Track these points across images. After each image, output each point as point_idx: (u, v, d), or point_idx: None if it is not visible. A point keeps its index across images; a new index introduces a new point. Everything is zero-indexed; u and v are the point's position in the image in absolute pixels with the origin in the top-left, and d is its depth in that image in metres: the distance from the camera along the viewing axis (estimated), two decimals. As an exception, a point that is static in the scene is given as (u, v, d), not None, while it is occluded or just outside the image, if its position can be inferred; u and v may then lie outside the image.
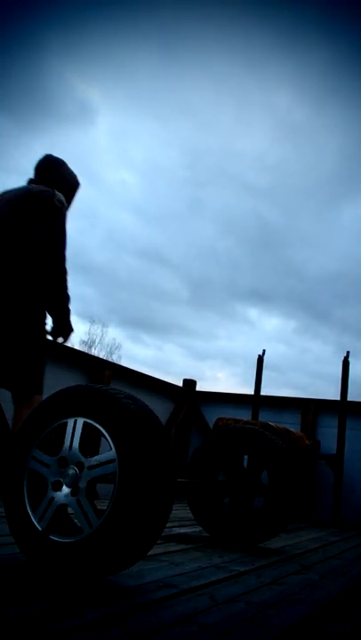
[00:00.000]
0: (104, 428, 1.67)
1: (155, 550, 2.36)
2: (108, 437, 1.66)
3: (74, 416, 1.75)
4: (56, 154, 2.89)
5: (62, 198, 2.60)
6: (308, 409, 5.67)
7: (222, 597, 1.68)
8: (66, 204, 2.64)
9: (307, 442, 5.02)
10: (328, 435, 5.50)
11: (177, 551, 2.45)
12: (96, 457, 1.68)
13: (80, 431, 1.73)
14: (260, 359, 5.87)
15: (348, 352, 5.29)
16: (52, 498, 1.71)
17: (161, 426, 1.71)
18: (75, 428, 1.74)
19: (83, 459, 1.70)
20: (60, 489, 1.71)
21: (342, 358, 5.27)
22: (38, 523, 1.71)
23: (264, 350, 5.92)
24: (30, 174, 2.82)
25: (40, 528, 1.70)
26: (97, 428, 1.69)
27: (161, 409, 5.84)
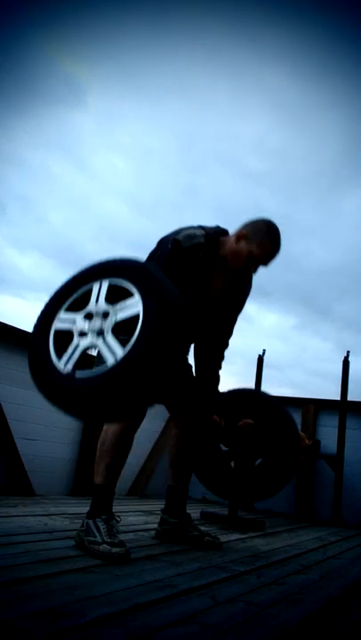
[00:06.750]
0: (129, 281, 1.76)
1: (155, 550, 2.37)
2: (132, 287, 1.75)
3: (99, 279, 1.85)
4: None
5: None
6: (309, 408, 5.66)
7: (223, 597, 1.67)
8: None
9: (307, 442, 5.02)
10: (328, 434, 5.50)
11: (177, 551, 2.45)
12: (122, 302, 1.77)
13: (105, 291, 1.82)
14: (261, 359, 5.86)
15: (348, 352, 5.30)
16: (78, 345, 1.80)
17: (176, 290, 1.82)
18: (100, 288, 1.83)
19: (109, 307, 1.79)
20: (85, 336, 1.80)
21: (343, 357, 5.28)
22: (64, 366, 1.78)
23: (264, 350, 5.92)
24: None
25: (66, 371, 1.77)
26: (122, 287, 1.78)
27: (161, 409, 5.82)
